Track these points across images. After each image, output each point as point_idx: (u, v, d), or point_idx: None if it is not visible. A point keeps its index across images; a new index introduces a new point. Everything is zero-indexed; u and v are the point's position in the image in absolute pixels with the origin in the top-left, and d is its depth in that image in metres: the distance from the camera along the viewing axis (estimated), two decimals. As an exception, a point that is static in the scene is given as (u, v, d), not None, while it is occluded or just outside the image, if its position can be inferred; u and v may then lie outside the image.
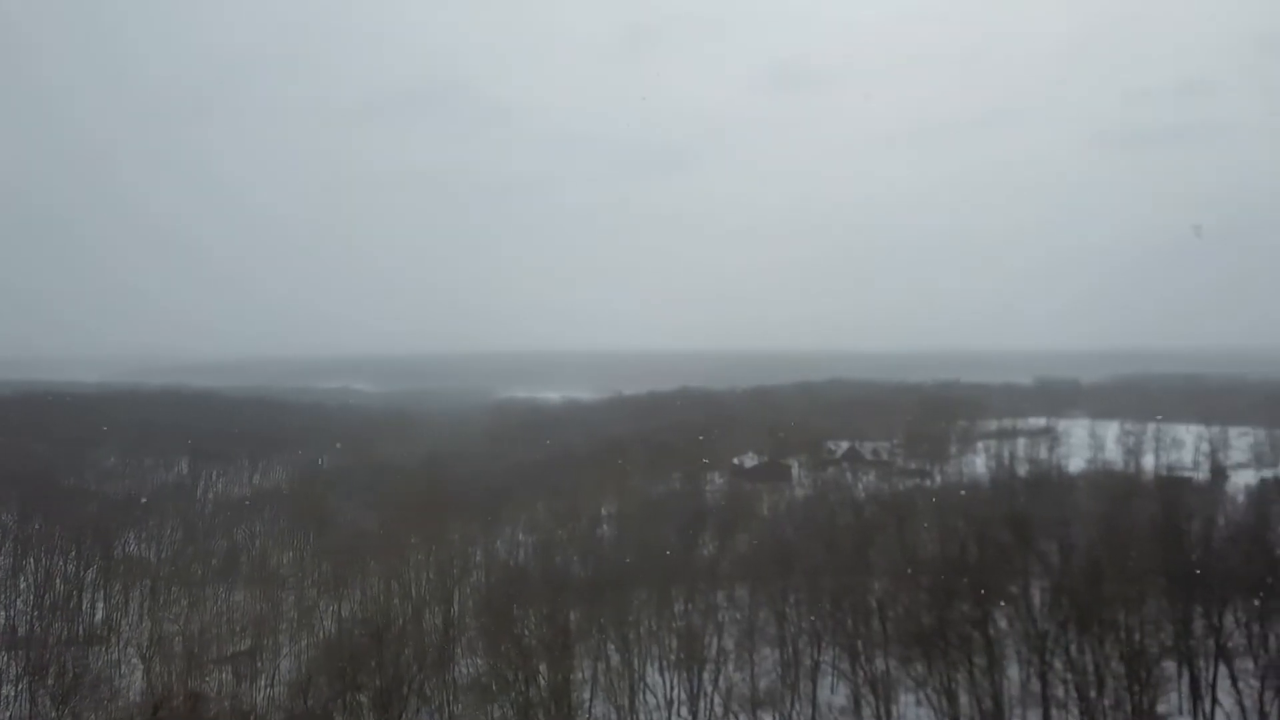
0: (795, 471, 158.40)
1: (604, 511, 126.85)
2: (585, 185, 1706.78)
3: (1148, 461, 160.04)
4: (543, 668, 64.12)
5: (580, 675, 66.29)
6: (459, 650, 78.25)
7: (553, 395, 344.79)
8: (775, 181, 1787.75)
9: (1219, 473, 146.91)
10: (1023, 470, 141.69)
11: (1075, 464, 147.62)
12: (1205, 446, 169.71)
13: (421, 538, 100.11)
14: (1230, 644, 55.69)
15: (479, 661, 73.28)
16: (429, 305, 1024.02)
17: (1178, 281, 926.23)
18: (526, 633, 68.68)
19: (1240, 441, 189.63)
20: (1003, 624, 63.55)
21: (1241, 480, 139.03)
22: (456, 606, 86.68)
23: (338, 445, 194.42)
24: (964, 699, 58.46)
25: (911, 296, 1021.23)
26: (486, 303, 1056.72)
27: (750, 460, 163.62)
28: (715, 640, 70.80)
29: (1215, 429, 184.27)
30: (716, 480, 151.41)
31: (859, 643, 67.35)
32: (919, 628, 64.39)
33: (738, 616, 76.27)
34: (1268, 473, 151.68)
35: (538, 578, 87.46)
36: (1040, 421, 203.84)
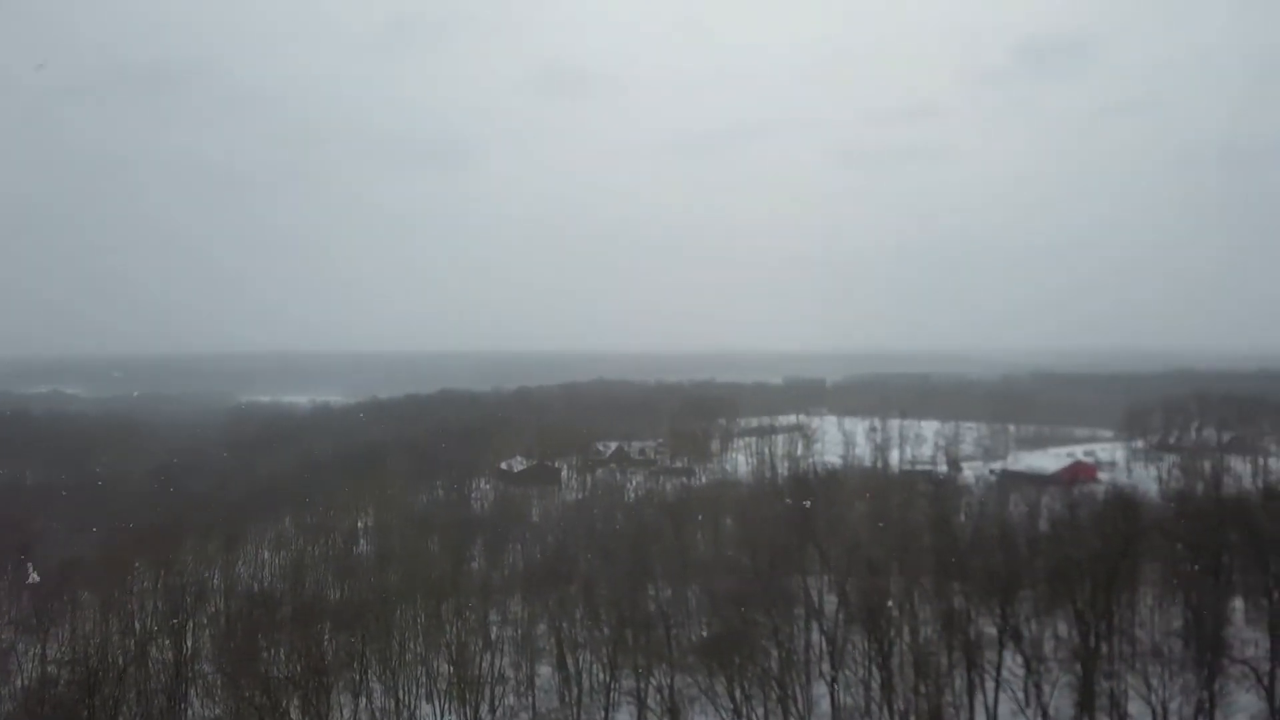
0: (565, 474, 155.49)
1: (361, 525, 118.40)
2: (343, 180, 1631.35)
3: (894, 456, 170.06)
4: (294, 708, 56.37)
5: (340, 715, 59.13)
6: (193, 691, 69.42)
7: (300, 399, 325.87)
8: (539, 182, 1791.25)
9: (954, 465, 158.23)
10: (785, 467, 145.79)
11: (831, 460, 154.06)
12: (941, 441, 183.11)
13: (148, 562, 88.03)
14: (1009, 634, 57.07)
15: (217, 704, 64.17)
16: (154, 300, 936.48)
17: (910, 289, 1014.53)
18: (274, 668, 60.50)
19: (967, 435, 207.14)
20: (791, 628, 62.47)
21: (972, 471, 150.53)
22: (190, 641, 76.07)
23: (46, 458, 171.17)
24: (758, 711, 56.61)
25: (671, 298, 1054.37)
26: (224, 299, 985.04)
27: (519, 464, 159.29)
28: (491, 663, 65.59)
29: (949, 425, 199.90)
30: (483, 486, 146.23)
31: (639, 656, 64.13)
32: (707, 636, 62.27)
33: (514, 634, 71.43)
34: (996, 464, 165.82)
35: (287, 603, 78.60)
36: (792, 419, 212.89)
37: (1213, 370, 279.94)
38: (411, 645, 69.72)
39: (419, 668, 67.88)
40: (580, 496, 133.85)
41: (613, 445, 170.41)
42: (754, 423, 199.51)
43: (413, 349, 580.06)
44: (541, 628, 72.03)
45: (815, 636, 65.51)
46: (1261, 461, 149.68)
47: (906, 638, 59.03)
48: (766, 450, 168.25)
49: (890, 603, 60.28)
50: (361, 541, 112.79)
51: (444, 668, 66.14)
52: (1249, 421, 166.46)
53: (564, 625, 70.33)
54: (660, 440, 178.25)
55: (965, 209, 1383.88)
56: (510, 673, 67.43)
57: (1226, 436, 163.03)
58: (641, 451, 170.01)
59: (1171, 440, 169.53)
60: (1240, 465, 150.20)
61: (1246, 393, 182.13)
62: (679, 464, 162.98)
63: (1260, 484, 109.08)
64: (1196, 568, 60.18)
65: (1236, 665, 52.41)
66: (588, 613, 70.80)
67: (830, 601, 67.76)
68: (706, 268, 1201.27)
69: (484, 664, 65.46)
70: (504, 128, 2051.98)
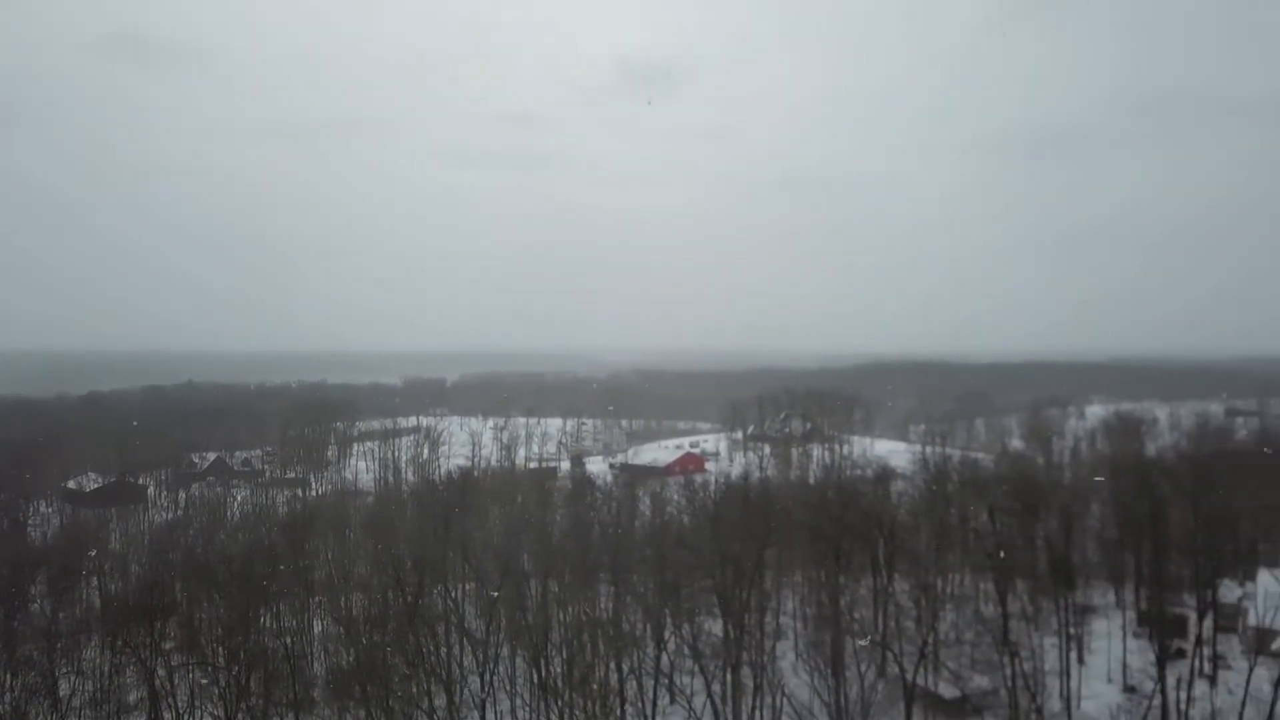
0: (152, 491, 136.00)
1: None
2: None
3: (520, 454, 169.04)
4: None
5: None
6: None
7: None
8: (107, 158, 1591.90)
9: (578, 460, 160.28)
10: (411, 472, 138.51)
11: (458, 461, 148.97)
12: (564, 437, 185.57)
13: None
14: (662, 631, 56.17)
15: None
16: None
17: (521, 291, 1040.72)
18: None
19: (585, 431, 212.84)
20: (437, 647, 56.91)
21: (593, 466, 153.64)
22: None
23: None
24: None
25: (271, 294, 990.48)
26: None
27: (92, 481, 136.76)
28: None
29: (570, 421, 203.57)
30: (45, 510, 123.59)
31: (255, 700, 55.01)
32: (338, 667, 54.96)
33: (92, 690, 58.70)
34: (616, 458, 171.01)
35: None
36: (414, 421, 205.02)
37: (785, 369, 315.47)
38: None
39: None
40: (173, 516, 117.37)
41: (210, 456, 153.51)
42: (374, 425, 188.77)
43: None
44: (129, 677, 59.93)
45: (461, 652, 60.57)
46: (837, 448, 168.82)
47: (559, 644, 56.10)
48: (390, 454, 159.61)
49: (541, 610, 57.13)
50: None
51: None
52: (824, 413, 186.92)
53: (158, 672, 58.90)
54: (268, 449, 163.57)
55: (571, 216, 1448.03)
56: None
57: (808, 427, 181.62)
58: (246, 462, 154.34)
59: (765, 431, 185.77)
60: (819, 452, 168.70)
61: (821, 388, 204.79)
62: (291, 474, 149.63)
63: (851, 470, 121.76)
64: (824, 552, 63.33)
65: (863, 641, 55.43)
66: (189, 654, 60.09)
67: (473, 613, 63.47)
68: (313, 263, 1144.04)
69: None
70: (67, 94, 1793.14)
